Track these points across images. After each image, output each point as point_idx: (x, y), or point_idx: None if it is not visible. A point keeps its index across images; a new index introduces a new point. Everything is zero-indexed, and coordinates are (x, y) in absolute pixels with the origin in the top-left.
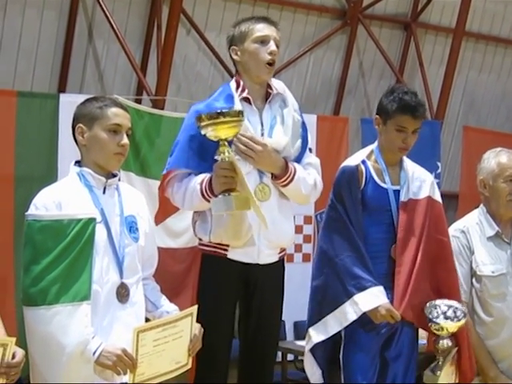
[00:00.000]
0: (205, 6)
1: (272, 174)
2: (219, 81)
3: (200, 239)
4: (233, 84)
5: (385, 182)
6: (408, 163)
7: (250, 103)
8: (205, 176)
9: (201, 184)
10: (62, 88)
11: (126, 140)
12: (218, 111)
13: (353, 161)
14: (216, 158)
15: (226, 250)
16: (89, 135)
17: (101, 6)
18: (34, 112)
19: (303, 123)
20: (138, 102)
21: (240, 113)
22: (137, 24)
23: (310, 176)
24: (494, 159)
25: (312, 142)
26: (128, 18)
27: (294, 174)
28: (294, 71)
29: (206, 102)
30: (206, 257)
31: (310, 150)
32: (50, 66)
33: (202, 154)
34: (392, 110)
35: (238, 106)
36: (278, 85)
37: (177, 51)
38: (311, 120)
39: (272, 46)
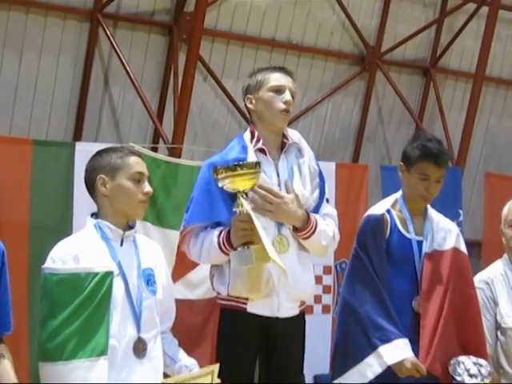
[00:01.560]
0: (222, 52)
1: (293, 226)
2: (236, 129)
3: (218, 293)
4: (247, 135)
5: (409, 232)
6: (432, 213)
7: (265, 154)
8: (222, 229)
9: (218, 237)
10: (77, 136)
11: (149, 188)
12: (236, 163)
13: (378, 209)
14: (234, 210)
15: (245, 303)
16: (112, 185)
17: (117, 52)
18: (49, 161)
19: (320, 173)
20: (155, 150)
21: (257, 164)
22: (153, 71)
23: (329, 227)
24: (507, 206)
25: (331, 189)
26: (144, 64)
27: (316, 227)
28: (312, 118)
29: (221, 155)
30: (224, 311)
31: (328, 200)
32: (65, 114)
33: (219, 206)
34: (415, 157)
35: (252, 157)
36: (293, 134)
37: (194, 99)
38: (330, 168)
39: (287, 96)
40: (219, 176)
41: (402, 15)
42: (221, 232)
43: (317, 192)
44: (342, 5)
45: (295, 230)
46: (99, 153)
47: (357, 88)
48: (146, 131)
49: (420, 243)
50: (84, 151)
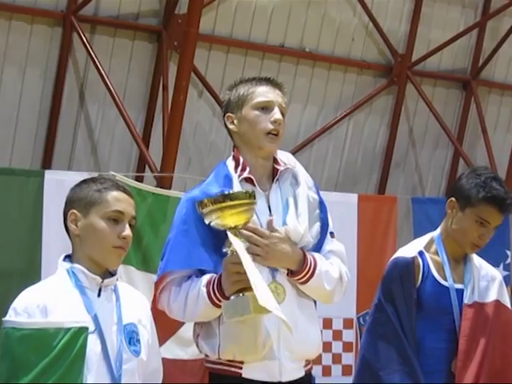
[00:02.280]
0: (220, 62)
1: (288, 269)
2: None
3: (206, 355)
4: (230, 162)
5: (446, 279)
6: (474, 257)
7: (253, 184)
8: (211, 276)
9: (207, 286)
10: (46, 163)
11: (128, 231)
12: (225, 193)
13: (408, 252)
14: (225, 250)
15: (240, 367)
16: (84, 223)
17: (95, 62)
18: (13, 192)
19: (321, 203)
20: (140, 179)
21: (251, 194)
22: (138, 85)
23: (333, 267)
24: None
25: (352, 227)
26: (128, 77)
27: (315, 268)
28: (329, 140)
29: (200, 188)
30: (215, 376)
31: (332, 234)
32: (32, 137)
33: (199, 250)
34: (477, 197)
35: (238, 189)
36: (286, 158)
37: (187, 117)
38: (351, 200)
39: (276, 114)
40: (205, 210)
41: (436, 18)
42: (210, 280)
43: (317, 226)
44: (365, 5)
45: (290, 273)
46: (80, 183)
47: (383, 104)
48: (129, 157)
49: (459, 292)
50: (55, 181)
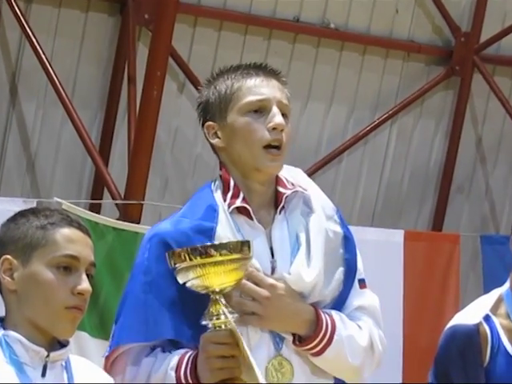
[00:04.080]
0: (210, 44)
1: (294, 335)
2: None
3: None
4: (217, 187)
5: None
6: None
7: (249, 217)
8: (182, 355)
9: (177, 370)
10: None
11: (86, 284)
12: (208, 244)
13: (470, 317)
14: (204, 323)
15: None
16: (22, 274)
17: (32, 43)
18: None
19: (346, 238)
20: (96, 208)
21: (246, 245)
22: (93, 75)
23: (360, 332)
24: None
25: (396, 275)
26: (78, 64)
27: (333, 332)
28: (364, 154)
29: (173, 220)
30: None
31: (363, 282)
32: None
33: (175, 312)
34: None
35: (225, 225)
36: (294, 176)
37: (162, 121)
38: (395, 239)
39: (276, 117)
40: (179, 265)
41: None
42: (181, 360)
43: (339, 272)
44: None
45: (297, 341)
46: (15, 217)
47: (440, 103)
48: (80, 177)
49: None
50: None
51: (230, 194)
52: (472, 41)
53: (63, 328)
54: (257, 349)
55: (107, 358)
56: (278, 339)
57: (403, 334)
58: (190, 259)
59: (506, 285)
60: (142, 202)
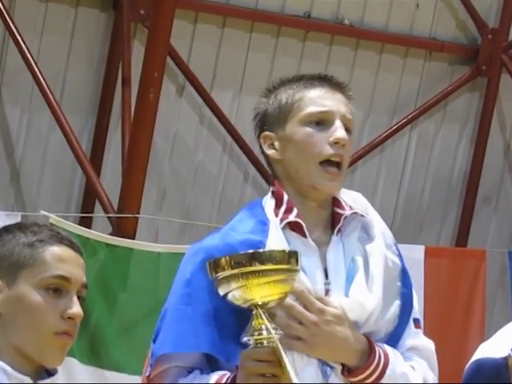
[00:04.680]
0: (211, 42)
1: (343, 365)
2: (239, 181)
3: None
4: (269, 201)
5: None
6: None
7: (302, 234)
8: (221, 376)
9: None
10: None
11: (77, 308)
12: (251, 252)
13: (496, 348)
14: (245, 340)
15: None
16: (7, 296)
17: (16, 41)
18: None
19: (404, 271)
20: (87, 223)
21: (293, 256)
22: (84, 76)
23: (415, 372)
24: None
25: (417, 294)
26: (68, 64)
27: (385, 366)
28: (381, 161)
29: (222, 234)
30: None
31: (417, 322)
32: None
33: (216, 326)
34: None
35: (277, 240)
36: (353, 199)
37: (160, 127)
38: (415, 255)
39: (338, 131)
40: (220, 275)
41: None
42: (220, 379)
43: (395, 306)
44: None
45: (348, 371)
46: (0, 233)
47: (464, 106)
48: (70, 189)
49: None
50: None
51: (282, 209)
52: (500, 38)
53: (51, 355)
54: (302, 375)
55: (148, 377)
56: (325, 367)
57: None
58: (232, 268)
59: None
60: (137, 216)
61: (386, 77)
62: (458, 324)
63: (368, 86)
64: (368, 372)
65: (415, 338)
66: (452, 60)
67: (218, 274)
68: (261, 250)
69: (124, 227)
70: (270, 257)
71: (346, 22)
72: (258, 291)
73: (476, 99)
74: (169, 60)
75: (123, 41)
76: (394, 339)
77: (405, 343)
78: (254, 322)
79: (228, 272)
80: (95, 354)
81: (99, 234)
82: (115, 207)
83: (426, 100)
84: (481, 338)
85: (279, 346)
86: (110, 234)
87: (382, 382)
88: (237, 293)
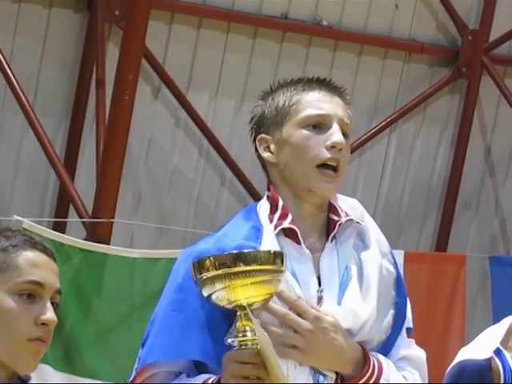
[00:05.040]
0: (188, 43)
1: (337, 373)
2: (215, 185)
3: None
4: (263, 206)
5: None
6: None
7: (296, 241)
8: (207, 378)
9: None
10: None
11: (51, 314)
12: (236, 252)
13: (479, 350)
14: (229, 341)
15: None
16: None
17: None
18: None
19: (398, 279)
20: (61, 228)
21: (278, 257)
22: (57, 78)
23: (407, 382)
24: None
25: None
26: (41, 66)
27: (379, 375)
28: (359, 165)
29: (215, 239)
30: None
31: (410, 331)
32: None
33: (207, 331)
34: None
35: (271, 245)
36: (349, 206)
37: (135, 130)
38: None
39: (335, 135)
40: (204, 275)
41: None
42: (206, 382)
43: (390, 316)
44: None
45: (341, 380)
46: None
47: (444, 109)
48: (43, 193)
49: None
50: None
51: (277, 215)
52: (480, 39)
53: (25, 362)
54: (294, 382)
55: (131, 382)
56: (318, 375)
57: None
58: (216, 268)
59: None
60: (112, 220)
61: (364, 79)
62: (438, 330)
63: (346, 87)
64: (362, 381)
65: (408, 347)
66: (432, 62)
67: (202, 275)
68: (246, 251)
69: (99, 232)
70: (255, 257)
71: (324, 22)
72: (242, 292)
73: (456, 101)
74: (144, 62)
75: (97, 42)
76: (386, 348)
77: (397, 353)
78: (238, 324)
79: (212, 273)
80: (69, 361)
81: (73, 239)
82: (90, 212)
83: (406, 102)
84: (461, 344)
85: (267, 346)
86: (85, 239)
87: None
88: (221, 294)
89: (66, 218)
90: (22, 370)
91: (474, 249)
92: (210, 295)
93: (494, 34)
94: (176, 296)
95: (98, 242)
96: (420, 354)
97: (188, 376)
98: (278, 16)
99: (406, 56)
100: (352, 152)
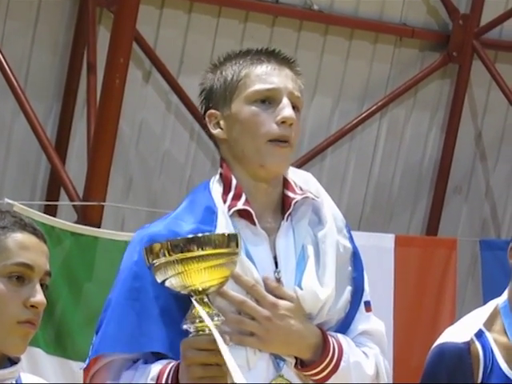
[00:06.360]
0: (179, 27)
1: (296, 358)
2: (206, 169)
3: None
4: (216, 185)
5: None
6: None
7: (251, 221)
8: (164, 365)
9: (158, 380)
10: None
11: (40, 296)
12: (190, 237)
13: (460, 333)
14: (185, 327)
15: None
16: None
17: None
18: None
19: (355, 254)
20: (51, 211)
21: (233, 239)
22: (48, 62)
23: (368, 360)
24: None
25: (386, 284)
26: (32, 50)
27: (340, 358)
28: (350, 149)
29: (166, 222)
30: None
31: (368, 305)
32: None
33: (164, 320)
34: None
35: (225, 227)
36: (304, 181)
37: (126, 114)
38: (384, 244)
39: (285, 109)
40: (157, 261)
41: None
42: (162, 370)
43: (347, 292)
44: None
45: (301, 365)
46: None
47: (435, 93)
48: (34, 176)
49: None
50: None
51: (230, 195)
52: (471, 24)
53: (14, 344)
54: (255, 369)
55: (86, 370)
56: (278, 360)
57: (393, 350)
58: (170, 253)
59: (504, 296)
60: (102, 204)
61: (355, 63)
62: (429, 313)
63: (337, 72)
64: (322, 366)
65: (366, 321)
66: (423, 46)
67: (155, 261)
68: (200, 235)
69: (89, 215)
70: (208, 241)
71: (315, 7)
72: (197, 277)
73: (447, 86)
74: (135, 46)
75: (88, 26)
76: (345, 325)
77: (356, 328)
78: (194, 309)
79: (164, 259)
80: (60, 344)
81: (64, 222)
82: (80, 195)
83: (397, 87)
84: None
85: (217, 333)
86: (76, 223)
87: (336, 374)
88: (174, 280)
89: (57, 201)
90: (11, 352)
91: (465, 233)
92: (163, 281)
93: (485, 19)
94: (131, 284)
95: (89, 226)
96: (379, 327)
97: (146, 363)
98: (269, 0)
99: (397, 40)
100: (342, 136)
